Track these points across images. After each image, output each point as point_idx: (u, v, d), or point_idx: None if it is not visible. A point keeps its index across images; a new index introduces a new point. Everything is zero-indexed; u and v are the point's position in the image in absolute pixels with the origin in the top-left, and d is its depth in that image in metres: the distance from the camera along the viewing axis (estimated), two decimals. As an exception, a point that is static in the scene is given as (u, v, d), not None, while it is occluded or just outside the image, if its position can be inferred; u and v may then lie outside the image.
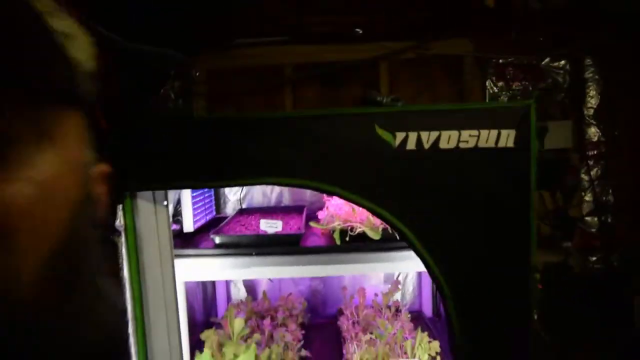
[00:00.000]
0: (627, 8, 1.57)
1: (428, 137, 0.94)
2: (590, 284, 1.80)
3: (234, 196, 1.80)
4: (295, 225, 1.36)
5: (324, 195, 1.62)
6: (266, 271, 1.22)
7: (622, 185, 1.84)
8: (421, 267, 0.98)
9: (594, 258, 1.83)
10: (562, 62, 1.81)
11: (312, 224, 1.36)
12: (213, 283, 1.76)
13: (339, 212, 1.32)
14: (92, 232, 0.32)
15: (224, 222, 1.44)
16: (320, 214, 1.41)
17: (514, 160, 0.95)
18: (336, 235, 1.25)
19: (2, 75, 0.26)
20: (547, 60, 1.82)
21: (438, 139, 0.94)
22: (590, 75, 1.82)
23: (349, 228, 1.25)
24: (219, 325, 1.45)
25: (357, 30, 1.70)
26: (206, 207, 1.59)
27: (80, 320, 0.30)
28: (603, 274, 1.80)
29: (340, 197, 0.94)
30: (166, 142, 0.95)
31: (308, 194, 1.80)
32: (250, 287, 1.82)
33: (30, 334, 0.27)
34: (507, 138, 0.95)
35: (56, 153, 0.29)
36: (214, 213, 1.73)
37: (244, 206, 1.75)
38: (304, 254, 1.22)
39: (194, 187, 0.96)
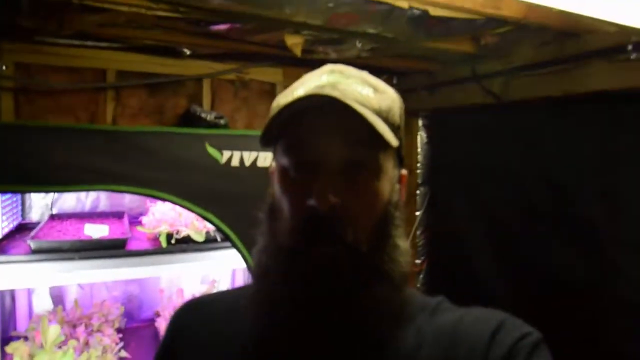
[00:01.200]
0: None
1: (249, 156, 1.17)
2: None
3: (41, 201, 1.70)
4: (119, 229, 1.42)
5: (147, 201, 1.70)
6: (91, 275, 1.25)
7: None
8: (237, 265, 1.19)
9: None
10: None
11: (139, 228, 1.44)
12: (11, 295, 1.61)
13: (165, 217, 1.43)
14: (394, 212, 0.58)
15: (37, 228, 1.39)
16: (145, 219, 1.49)
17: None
18: (162, 238, 1.37)
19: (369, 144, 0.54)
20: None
21: (257, 158, 1.18)
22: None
23: (175, 231, 1.38)
24: (24, 338, 1.37)
25: (185, 50, 1.83)
26: (12, 212, 1.48)
27: (388, 258, 0.56)
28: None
29: (174, 203, 1.09)
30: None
31: (127, 200, 1.83)
32: (57, 297, 1.73)
33: (365, 267, 0.54)
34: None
35: (383, 175, 0.56)
36: (20, 219, 1.61)
37: (54, 211, 1.67)
38: (132, 257, 1.30)
39: (14, 191, 0.96)
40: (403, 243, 0.59)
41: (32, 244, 1.24)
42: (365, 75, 0.60)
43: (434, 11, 1.21)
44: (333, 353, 0.52)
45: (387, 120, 0.56)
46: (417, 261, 2.53)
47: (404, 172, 0.63)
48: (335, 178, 0.53)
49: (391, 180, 0.59)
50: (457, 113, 2.18)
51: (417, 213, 2.51)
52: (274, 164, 0.62)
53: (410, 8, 1.18)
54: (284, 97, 0.57)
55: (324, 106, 0.52)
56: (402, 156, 0.62)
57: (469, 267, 2.13)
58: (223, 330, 0.61)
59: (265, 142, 0.58)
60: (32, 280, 1.21)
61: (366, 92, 0.56)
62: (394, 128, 0.57)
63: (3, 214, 1.37)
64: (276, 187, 0.58)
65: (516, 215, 1.88)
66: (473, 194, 2.13)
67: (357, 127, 0.52)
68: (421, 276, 2.55)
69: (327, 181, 0.52)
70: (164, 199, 1.08)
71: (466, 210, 2.17)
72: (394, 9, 1.18)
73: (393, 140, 0.54)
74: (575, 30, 1.40)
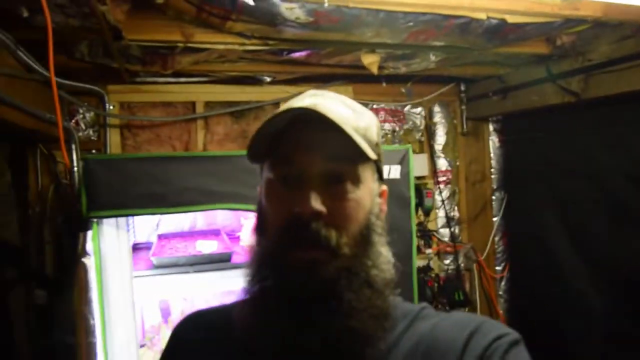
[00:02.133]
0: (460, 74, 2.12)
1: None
2: (444, 281, 2.30)
3: (144, 223, 1.88)
4: (222, 245, 1.55)
5: (239, 218, 1.84)
6: (204, 286, 1.38)
7: (462, 203, 2.43)
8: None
9: (447, 261, 2.36)
10: (419, 108, 2.32)
11: (242, 242, 1.57)
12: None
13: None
14: (375, 220, 0.61)
15: (153, 247, 1.56)
16: (243, 235, 1.62)
17: (400, 188, 1.33)
18: (262, 251, 1.47)
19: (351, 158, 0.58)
20: (408, 107, 2.31)
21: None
22: (438, 119, 2.36)
23: (273, 244, 1.48)
24: (143, 346, 1.54)
25: (265, 77, 1.98)
26: (130, 233, 1.68)
27: (371, 263, 0.59)
28: (454, 272, 2.33)
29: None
30: (123, 177, 1.10)
31: (220, 218, 1.98)
32: (164, 309, 1.90)
33: (348, 271, 0.56)
34: (395, 171, 1.32)
35: (363, 186, 0.59)
36: (135, 239, 1.81)
37: (159, 232, 1.85)
38: (237, 269, 1.42)
39: (151, 214, 1.11)
40: (385, 251, 0.61)
41: (155, 260, 1.39)
42: (344, 98, 0.64)
43: (511, 19, 1.24)
44: (312, 357, 0.54)
45: (365, 136, 0.59)
46: (498, 268, 2.49)
47: (384, 187, 0.66)
48: (318, 188, 0.56)
49: (371, 191, 0.62)
50: (532, 115, 2.15)
51: (495, 219, 2.48)
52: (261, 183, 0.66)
53: (488, 18, 1.22)
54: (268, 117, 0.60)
55: (306, 123, 0.57)
56: (382, 172, 0.65)
57: (552, 270, 2.07)
58: (216, 339, 0.64)
59: (251, 156, 0.61)
60: (161, 292, 1.37)
61: (345, 112, 0.60)
62: (372, 144, 0.61)
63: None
64: (263, 200, 0.61)
65: (600, 215, 1.82)
66: (553, 195, 2.08)
67: (337, 141, 0.56)
68: (502, 283, 2.50)
69: (310, 190, 0.55)
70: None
71: (546, 212, 2.12)
72: (471, 21, 1.23)
73: (371, 153, 0.58)
74: (659, 22, 1.37)
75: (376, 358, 0.55)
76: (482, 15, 1.20)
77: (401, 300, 0.63)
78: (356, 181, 0.59)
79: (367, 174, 0.61)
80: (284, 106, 0.59)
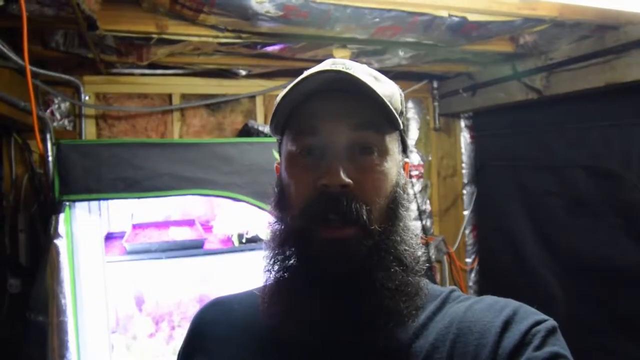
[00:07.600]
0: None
1: (310, 160, 1.30)
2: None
3: (119, 214, 1.90)
4: (195, 232, 1.59)
5: (213, 209, 1.87)
6: (176, 272, 1.42)
7: (433, 197, 2.51)
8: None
9: (419, 253, 2.43)
10: (393, 104, 2.38)
11: (214, 230, 1.61)
12: (103, 296, 1.82)
13: (235, 219, 1.59)
14: (401, 193, 0.58)
15: (126, 235, 1.58)
16: (215, 223, 1.66)
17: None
18: (234, 238, 1.52)
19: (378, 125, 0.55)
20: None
21: (317, 161, 1.31)
22: (411, 115, 2.43)
23: (245, 232, 1.54)
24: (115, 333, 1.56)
25: (241, 71, 2.01)
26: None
27: (400, 239, 0.56)
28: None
29: (248, 203, 1.24)
30: (96, 161, 1.13)
31: (194, 209, 2.01)
32: (138, 298, 1.92)
33: (378, 248, 0.54)
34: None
35: (390, 157, 0.57)
36: (110, 228, 1.83)
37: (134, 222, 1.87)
38: (209, 255, 1.46)
39: (124, 198, 1.14)
40: (412, 225, 0.59)
41: (127, 246, 1.42)
42: (366, 67, 0.60)
43: (471, 17, 1.31)
44: (345, 338, 0.52)
45: (390, 103, 0.56)
46: (468, 260, 2.58)
47: (407, 160, 0.64)
48: (344, 159, 0.53)
49: (397, 163, 0.59)
50: (500, 111, 2.23)
51: (465, 213, 2.57)
52: (279, 159, 0.63)
53: (450, 16, 1.28)
54: (290, 86, 0.56)
55: (329, 91, 0.55)
56: (406, 143, 0.63)
57: (518, 261, 2.16)
58: (242, 327, 0.61)
59: (274, 128, 0.59)
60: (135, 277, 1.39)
61: (369, 79, 0.56)
62: (397, 113, 0.58)
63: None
64: (285, 174, 0.58)
65: (561, 206, 1.91)
66: (519, 189, 2.17)
67: (363, 109, 0.54)
68: (472, 274, 2.59)
69: (337, 161, 0.53)
70: (240, 200, 1.23)
71: (513, 206, 2.21)
72: (434, 18, 1.30)
73: (398, 121, 0.56)
74: (614, 23, 1.45)
75: (408, 337, 0.54)
76: (444, 13, 1.27)
77: (427, 281, 0.60)
78: (384, 152, 0.56)
79: (394, 145, 0.59)
80: (308, 72, 0.55)
